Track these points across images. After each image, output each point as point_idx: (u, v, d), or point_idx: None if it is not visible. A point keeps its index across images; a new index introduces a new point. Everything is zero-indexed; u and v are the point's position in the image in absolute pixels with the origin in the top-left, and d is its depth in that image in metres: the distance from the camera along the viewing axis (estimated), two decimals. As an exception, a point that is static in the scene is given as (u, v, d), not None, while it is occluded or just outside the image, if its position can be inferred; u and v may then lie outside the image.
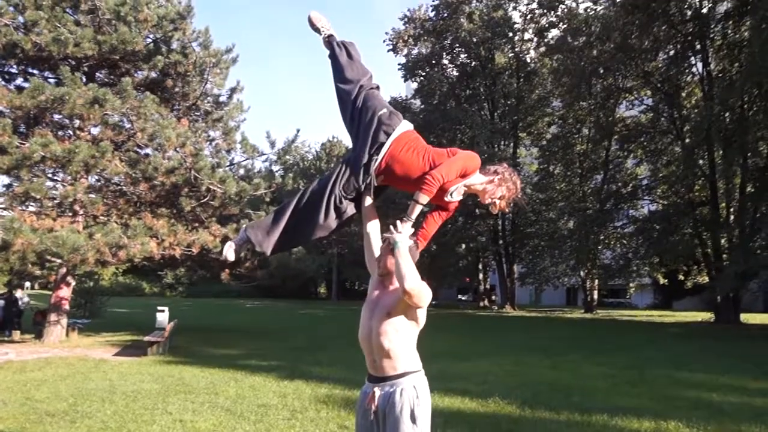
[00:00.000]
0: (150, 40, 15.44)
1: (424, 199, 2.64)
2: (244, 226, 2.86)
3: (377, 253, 2.75)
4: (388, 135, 2.75)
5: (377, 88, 3.01)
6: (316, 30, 3.07)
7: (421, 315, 2.59)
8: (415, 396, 2.48)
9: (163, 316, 15.11)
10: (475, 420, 5.93)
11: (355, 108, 2.89)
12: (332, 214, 2.75)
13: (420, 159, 2.71)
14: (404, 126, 2.83)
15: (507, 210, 3.04)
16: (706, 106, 20.70)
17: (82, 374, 9.37)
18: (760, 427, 5.72)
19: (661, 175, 26.31)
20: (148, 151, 15.15)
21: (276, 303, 41.41)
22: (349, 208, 2.80)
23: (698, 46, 22.34)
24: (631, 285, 35.17)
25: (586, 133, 28.98)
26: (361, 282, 57.75)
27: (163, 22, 15.05)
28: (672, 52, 23.06)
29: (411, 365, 2.55)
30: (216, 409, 6.48)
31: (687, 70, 23.56)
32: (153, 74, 15.99)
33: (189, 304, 36.29)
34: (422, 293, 2.44)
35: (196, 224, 14.82)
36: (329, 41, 3.06)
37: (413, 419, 2.44)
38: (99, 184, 15.44)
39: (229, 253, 2.83)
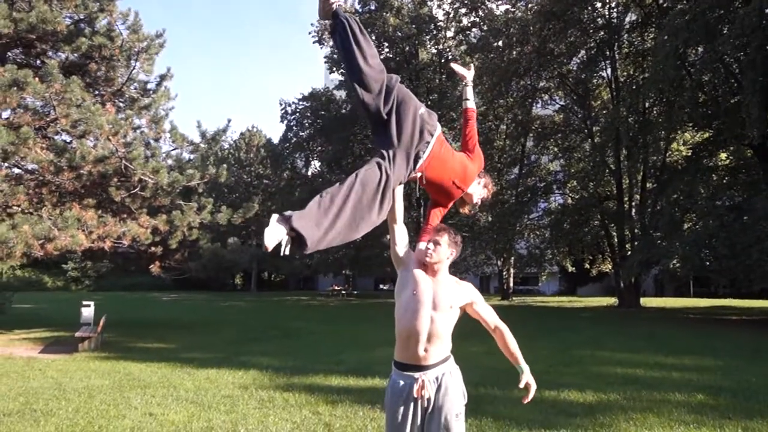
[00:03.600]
0: (71, 21, 14.67)
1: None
2: (286, 214, 2.45)
3: (403, 246, 2.89)
4: (432, 135, 2.85)
5: (398, 79, 2.96)
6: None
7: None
8: (460, 375, 2.77)
9: (88, 311, 14.43)
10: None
11: (393, 100, 2.82)
12: (385, 207, 2.67)
13: (453, 156, 2.96)
14: (439, 127, 2.97)
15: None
16: (614, 109, 22.46)
17: (17, 373, 8.93)
18: (683, 395, 6.59)
19: (572, 170, 28.20)
20: (66, 137, 14.42)
21: (194, 295, 40.29)
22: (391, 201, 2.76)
23: (608, 53, 24.08)
24: (542, 273, 37.33)
25: (505, 129, 30.38)
26: (278, 273, 57.14)
27: (87, 2, 14.35)
28: (585, 57, 24.66)
29: (450, 349, 2.80)
30: (182, 402, 6.50)
31: (597, 74, 25.34)
32: (74, 57, 15.19)
33: (100, 298, 34.52)
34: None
35: (125, 215, 14.32)
36: (337, 13, 2.75)
37: (464, 395, 2.76)
38: (16, 173, 14.52)
39: (271, 242, 2.44)
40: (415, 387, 2.64)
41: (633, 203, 25.22)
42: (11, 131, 12.13)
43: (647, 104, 22.15)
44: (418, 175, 2.84)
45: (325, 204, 2.48)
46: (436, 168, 2.86)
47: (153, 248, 14.33)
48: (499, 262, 31.35)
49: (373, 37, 32.58)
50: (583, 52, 24.47)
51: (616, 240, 25.35)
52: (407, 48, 32.50)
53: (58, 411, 6.11)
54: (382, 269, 43.13)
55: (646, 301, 25.76)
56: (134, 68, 15.87)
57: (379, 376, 7.59)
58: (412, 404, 2.65)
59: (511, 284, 32.45)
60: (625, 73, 24.81)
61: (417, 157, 2.79)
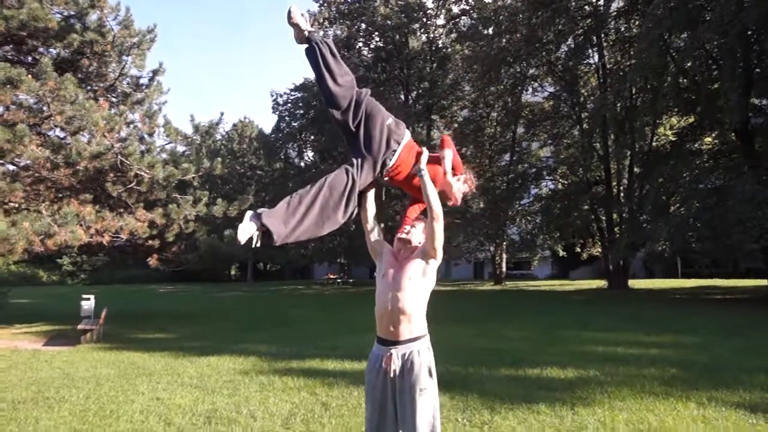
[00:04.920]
0: (62, 16, 14.80)
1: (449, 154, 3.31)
2: (258, 212, 2.80)
3: (377, 240, 3.28)
4: (399, 143, 3.21)
5: (368, 93, 3.32)
6: (295, 26, 3.02)
7: (433, 273, 3.11)
8: (429, 354, 3.05)
9: (89, 304, 14.75)
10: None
11: (360, 113, 3.16)
12: (350, 209, 2.99)
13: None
14: (408, 135, 3.34)
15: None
16: (602, 95, 22.83)
17: (25, 365, 9.27)
18: (657, 369, 7.04)
19: (562, 156, 28.64)
20: (59, 133, 14.61)
21: (190, 287, 40.59)
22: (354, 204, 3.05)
23: (595, 40, 24.39)
24: (534, 258, 37.83)
25: (495, 116, 30.70)
26: (273, 263, 57.49)
27: (77, -3, 14.48)
28: (572, 45, 24.96)
29: (424, 329, 3.09)
30: (186, 387, 6.87)
31: (585, 62, 25.67)
32: (65, 53, 15.34)
33: (97, 292, 34.76)
34: (441, 226, 3.02)
35: (121, 210, 14.57)
36: (310, 39, 3.02)
37: (430, 374, 3.01)
38: (12, 170, 14.71)
39: (243, 236, 2.79)
40: (383, 358, 3.00)
41: (621, 188, 25.72)
42: (6, 129, 12.34)
43: (634, 90, 22.50)
44: (386, 179, 3.22)
45: (293, 204, 2.83)
46: (405, 171, 3.21)
47: (150, 241, 14.61)
48: (491, 248, 31.80)
49: (363, 26, 32.76)
50: (570, 39, 24.74)
51: (605, 224, 25.86)
52: (397, 37, 32.63)
53: (70, 398, 6.46)
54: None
55: (635, 283, 26.28)
56: (126, 63, 16.06)
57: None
58: (382, 374, 3.00)
59: (504, 269, 32.88)
60: (612, 60, 25.15)
61: (384, 164, 3.14)
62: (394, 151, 3.19)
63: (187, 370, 8.11)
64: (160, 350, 10.21)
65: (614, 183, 25.56)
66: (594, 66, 25.67)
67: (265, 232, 2.78)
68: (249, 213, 2.82)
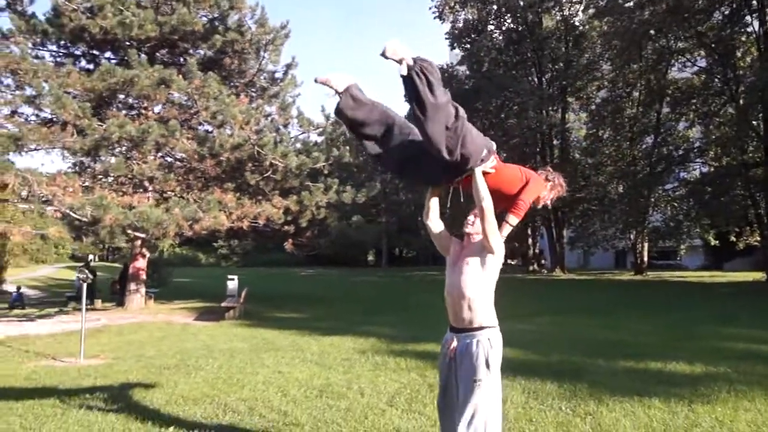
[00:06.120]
0: (207, 20, 16.11)
1: (514, 221, 3.22)
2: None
3: (441, 235, 3.35)
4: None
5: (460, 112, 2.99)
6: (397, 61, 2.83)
7: (496, 264, 3.08)
8: (489, 347, 2.99)
9: (233, 284, 16.14)
10: (540, 369, 6.53)
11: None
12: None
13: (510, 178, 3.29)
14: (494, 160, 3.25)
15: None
16: (762, 66, 20.28)
17: (175, 336, 10.40)
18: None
19: (713, 137, 25.90)
20: (208, 128, 15.95)
21: (328, 271, 42.71)
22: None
23: (755, 4, 21.65)
24: (681, 247, 34.78)
25: (637, 96, 28.55)
26: (409, 249, 58.81)
27: (219, 1, 15.67)
28: (727, 12, 22.41)
29: (488, 320, 3.05)
30: (306, 363, 7.29)
31: (742, 30, 22.90)
32: (210, 53, 16.73)
33: (245, 273, 37.76)
34: (493, 218, 3.00)
35: (259, 197, 15.62)
36: (410, 74, 2.80)
37: (487, 366, 2.96)
38: (166, 161, 16.37)
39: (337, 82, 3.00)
40: (447, 344, 3.12)
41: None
42: (162, 125, 13.78)
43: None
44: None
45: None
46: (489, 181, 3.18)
47: (286, 227, 15.53)
48: (632, 236, 29.77)
49: (495, 8, 32.00)
50: (724, 5, 22.19)
51: (763, 210, 23.01)
52: (530, 17, 31.49)
53: (206, 366, 7.15)
54: (509, 246, 42.79)
55: (802, 276, 23.22)
56: (263, 59, 17.17)
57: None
58: (448, 359, 3.10)
59: (645, 258, 30.62)
60: (775, 26, 22.11)
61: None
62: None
63: (311, 347, 8.59)
64: (290, 328, 10.91)
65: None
66: (753, 34, 22.78)
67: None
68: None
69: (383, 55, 2.77)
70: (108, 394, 5.77)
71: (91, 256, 55.75)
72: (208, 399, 5.47)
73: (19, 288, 18.86)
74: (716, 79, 24.49)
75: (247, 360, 7.57)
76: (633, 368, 6.54)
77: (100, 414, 4.94)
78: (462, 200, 3.28)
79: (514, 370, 6.32)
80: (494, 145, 3.20)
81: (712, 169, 26.14)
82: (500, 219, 3.14)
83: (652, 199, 27.14)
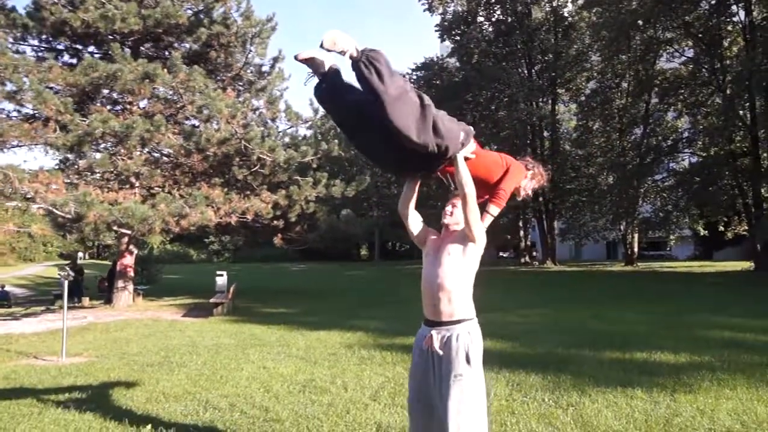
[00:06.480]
0: (191, 12, 15.91)
1: (495, 210, 3.12)
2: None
3: (418, 229, 3.26)
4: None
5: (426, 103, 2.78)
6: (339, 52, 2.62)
7: (477, 253, 2.99)
8: (469, 341, 2.86)
9: (221, 280, 16.03)
10: (526, 361, 6.49)
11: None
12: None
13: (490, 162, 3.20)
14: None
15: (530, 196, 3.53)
16: (748, 56, 20.33)
17: (162, 333, 10.29)
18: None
19: (701, 127, 25.99)
20: (195, 122, 15.80)
21: (321, 265, 42.63)
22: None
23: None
24: (671, 237, 34.96)
25: (626, 87, 28.60)
26: (402, 243, 58.79)
27: (204, -6, 15.48)
28: (713, 1, 22.42)
29: (467, 313, 2.94)
30: (292, 358, 7.22)
31: (729, 19, 22.95)
32: (196, 46, 16.54)
33: (238, 269, 37.70)
34: (476, 205, 2.90)
35: (248, 192, 15.50)
36: (357, 65, 2.58)
37: (468, 361, 2.83)
38: (152, 157, 16.19)
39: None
40: (425, 339, 2.94)
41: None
42: (147, 120, 13.60)
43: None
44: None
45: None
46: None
47: (275, 222, 15.42)
48: (622, 227, 29.86)
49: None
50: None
51: (751, 199, 23.11)
52: (519, 8, 31.41)
53: (189, 363, 7.07)
54: (503, 238, 42.84)
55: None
56: (250, 52, 17.00)
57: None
58: (424, 354, 2.94)
59: (636, 249, 30.73)
60: (761, 16, 22.11)
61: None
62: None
63: (298, 342, 8.52)
64: (278, 323, 10.82)
65: (763, 154, 22.73)
66: (740, 24, 22.82)
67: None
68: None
69: (322, 47, 2.58)
70: (88, 392, 5.68)
71: (80, 254, 55.49)
72: (189, 396, 5.39)
73: (3, 286, 18.64)
74: (703, 69, 24.58)
75: (233, 356, 7.50)
76: (618, 359, 6.53)
77: (78, 413, 4.84)
78: (452, 187, 3.14)
79: (499, 362, 6.30)
80: (472, 129, 3.07)
81: (701, 159, 26.23)
82: (481, 209, 3.04)
83: (642, 190, 27.24)
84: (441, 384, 2.83)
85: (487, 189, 3.16)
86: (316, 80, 2.87)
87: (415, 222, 3.26)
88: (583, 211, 31.57)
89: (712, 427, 4.08)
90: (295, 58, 2.80)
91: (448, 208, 3.12)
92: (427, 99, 2.74)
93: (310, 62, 2.81)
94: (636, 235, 30.28)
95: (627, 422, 4.23)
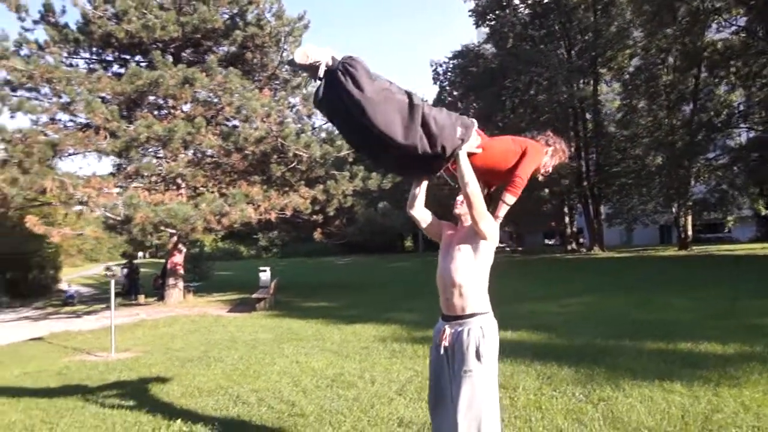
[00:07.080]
0: (227, 16, 16.27)
1: (511, 199, 3.03)
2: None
3: (429, 222, 3.21)
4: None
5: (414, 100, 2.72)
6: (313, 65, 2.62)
7: (489, 249, 2.93)
8: (481, 336, 2.81)
9: (265, 276, 16.43)
10: (560, 353, 6.36)
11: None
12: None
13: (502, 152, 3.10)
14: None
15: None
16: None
17: (206, 328, 10.64)
18: None
19: (756, 99, 24.68)
20: (236, 123, 16.17)
21: (365, 258, 42.92)
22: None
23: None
24: (729, 218, 33.46)
25: (672, 62, 27.45)
26: (445, 233, 58.52)
27: (237, -2, 15.79)
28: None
29: (480, 307, 2.89)
30: (325, 352, 7.35)
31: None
32: (233, 49, 16.91)
33: (284, 264, 38.44)
34: (481, 202, 2.82)
35: (286, 188, 15.74)
36: (335, 74, 2.59)
37: (478, 356, 2.78)
38: (196, 157, 16.65)
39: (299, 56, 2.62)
40: (440, 334, 2.93)
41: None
42: (188, 122, 14.02)
43: None
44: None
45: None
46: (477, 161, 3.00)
47: (314, 216, 15.65)
48: (674, 209, 28.75)
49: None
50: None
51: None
52: (558, -13, 30.59)
53: (226, 358, 7.29)
54: (548, 224, 42.05)
55: None
56: (284, 51, 17.23)
57: (512, 329, 7.79)
58: (439, 349, 2.91)
59: (690, 232, 29.51)
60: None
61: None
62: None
63: (333, 336, 8.65)
64: (316, 318, 10.99)
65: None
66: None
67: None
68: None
69: (292, 63, 2.55)
70: (129, 387, 5.94)
71: (140, 254, 57.66)
72: (221, 390, 5.57)
73: (69, 286, 19.68)
74: (758, 38, 23.23)
75: (268, 350, 7.68)
76: (660, 349, 6.29)
77: (117, 407, 5.08)
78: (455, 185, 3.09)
79: (532, 354, 6.23)
80: (473, 122, 2.98)
81: (758, 134, 24.95)
82: (497, 198, 3.00)
83: (694, 170, 26.17)
84: (453, 379, 2.83)
85: (501, 177, 3.10)
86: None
87: (425, 219, 3.22)
88: (630, 194, 30.58)
89: (757, 425, 3.83)
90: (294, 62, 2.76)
91: (459, 198, 3.05)
92: (417, 99, 2.69)
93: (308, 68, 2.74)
94: (689, 218, 29.07)
95: (661, 418, 4.04)
